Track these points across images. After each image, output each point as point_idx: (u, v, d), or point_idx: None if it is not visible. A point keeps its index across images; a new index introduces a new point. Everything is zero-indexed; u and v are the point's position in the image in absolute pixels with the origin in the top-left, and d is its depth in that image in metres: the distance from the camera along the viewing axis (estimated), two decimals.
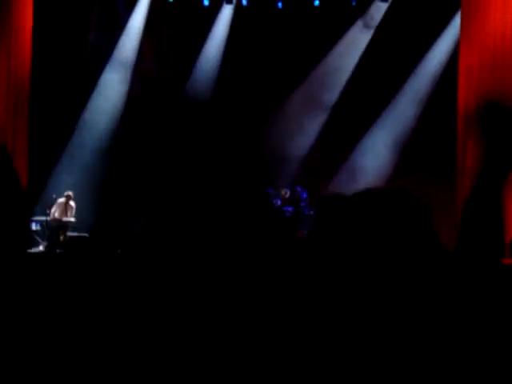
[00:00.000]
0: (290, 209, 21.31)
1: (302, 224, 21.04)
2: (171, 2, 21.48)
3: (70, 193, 18.78)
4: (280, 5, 21.42)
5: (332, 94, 21.73)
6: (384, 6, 21.06)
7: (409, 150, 20.93)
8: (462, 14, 18.29)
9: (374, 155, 20.99)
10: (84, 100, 21.29)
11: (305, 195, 21.50)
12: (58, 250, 17.34)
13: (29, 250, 17.28)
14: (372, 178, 20.50)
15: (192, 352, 3.13)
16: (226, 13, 21.82)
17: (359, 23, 21.37)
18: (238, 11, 21.68)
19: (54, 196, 18.87)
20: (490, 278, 1.77)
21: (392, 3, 20.90)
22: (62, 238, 18.14)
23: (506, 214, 17.19)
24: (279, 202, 21.36)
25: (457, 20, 19.22)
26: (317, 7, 21.20)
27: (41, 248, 17.86)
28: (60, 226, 18.36)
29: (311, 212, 21.23)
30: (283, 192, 21.45)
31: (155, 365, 3.13)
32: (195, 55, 21.89)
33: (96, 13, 21.39)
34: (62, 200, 18.68)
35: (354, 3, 21.13)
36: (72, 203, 18.74)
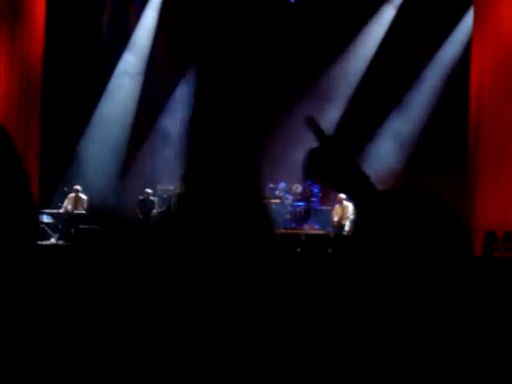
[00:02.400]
0: (301, 204, 21.31)
1: (314, 218, 21.06)
2: None
3: (78, 187, 18.90)
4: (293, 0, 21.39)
5: (344, 92, 21.69)
6: (397, 2, 20.99)
7: (420, 149, 20.88)
8: (474, 11, 18.24)
9: (384, 153, 20.94)
10: (97, 96, 21.34)
11: (316, 190, 21.49)
12: (69, 243, 17.40)
13: (40, 242, 17.37)
14: (382, 174, 20.47)
15: (198, 353, 3.13)
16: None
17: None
18: (250, 4, 21.66)
19: (66, 189, 18.94)
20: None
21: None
22: (73, 230, 18.20)
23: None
24: (290, 197, 21.36)
25: (469, 18, 19.16)
26: (330, 2, 21.14)
27: (52, 240, 17.92)
28: (71, 218, 18.43)
29: (322, 207, 21.25)
30: (294, 187, 21.44)
31: (159, 364, 3.14)
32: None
33: (109, 8, 21.45)
34: (72, 194, 18.79)
35: None
36: (83, 196, 18.82)
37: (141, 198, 19.85)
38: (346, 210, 18.59)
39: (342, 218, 18.63)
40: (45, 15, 19.02)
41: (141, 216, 19.59)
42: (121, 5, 21.59)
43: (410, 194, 1.78)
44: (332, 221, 19.12)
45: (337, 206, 19.01)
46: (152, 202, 19.89)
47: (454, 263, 1.68)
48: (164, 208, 20.37)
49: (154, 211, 19.90)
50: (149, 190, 19.93)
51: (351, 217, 18.42)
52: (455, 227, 1.72)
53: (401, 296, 1.67)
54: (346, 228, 18.40)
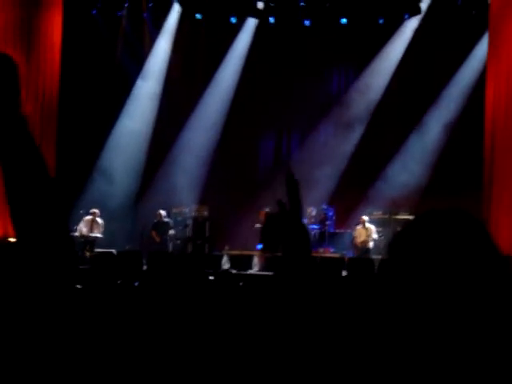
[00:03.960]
0: (316, 227, 21.28)
1: (328, 242, 21.02)
2: (199, 19, 21.63)
3: (96, 210, 18.85)
4: (307, 22, 21.43)
5: (360, 114, 21.69)
6: (412, 25, 21.01)
7: (438, 169, 20.83)
8: (489, 36, 18.26)
9: (400, 175, 20.88)
10: (112, 119, 21.43)
11: (331, 213, 21.47)
12: (83, 266, 17.40)
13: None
14: (398, 195, 20.46)
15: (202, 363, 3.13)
16: (252, 29, 21.91)
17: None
18: (265, 28, 21.75)
19: (81, 212, 18.95)
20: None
21: (422, 22, 20.82)
22: (88, 253, 18.21)
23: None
24: (305, 220, 21.35)
25: (484, 42, 19.18)
26: (344, 25, 21.19)
27: None
28: (87, 241, 18.45)
29: (337, 230, 21.23)
30: (309, 210, 21.44)
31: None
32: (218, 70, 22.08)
33: (124, 29, 21.60)
34: (88, 217, 18.77)
35: (380, 21, 21.03)
36: (99, 220, 18.82)
37: (155, 220, 19.86)
38: (369, 231, 18.68)
39: (366, 240, 18.71)
40: (61, 38, 19.16)
41: (158, 240, 19.58)
42: (134, 27, 21.72)
43: (449, 215, 1.78)
44: (355, 242, 19.13)
45: (359, 228, 19.06)
46: (166, 223, 19.90)
47: (490, 284, 1.68)
48: (180, 229, 20.38)
49: (171, 232, 19.92)
50: (162, 212, 19.94)
51: (375, 237, 18.59)
52: (490, 250, 1.72)
53: (436, 316, 1.67)
54: (371, 247, 18.57)
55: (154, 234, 19.63)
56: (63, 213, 2.00)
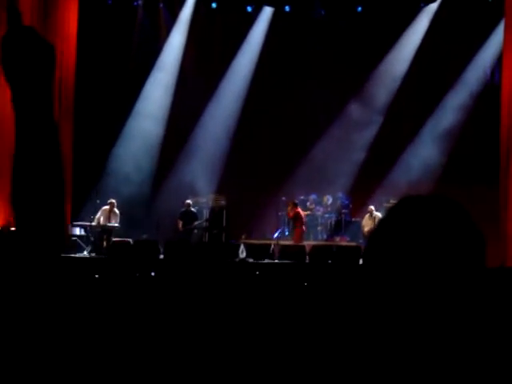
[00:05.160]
0: (332, 215, 21.30)
1: (344, 230, 21.04)
2: (214, 8, 21.61)
3: (113, 200, 18.85)
4: (323, 12, 21.36)
5: (378, 104, 21.64)
6: (428, 13, 20.92)
7: (454, 157, 20.77)
8: (505, 22, 18.14)
9: (420, 162, 20.84)
10: (128, 108, 21.46)
11: (347, 202, 21.48)
12: (101, 255, 17.48)
13: (73, 255, 17.47)
14: (417, 182, 20.45)
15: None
16: (267, 18, 21.88)
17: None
18: (279, 16, 21.72)
19: (98, 201, 18.99)
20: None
21: (438, 10, 20.72)
22: (105, 243, 18.27)
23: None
24: (321, 209, 21.35)
25: (500, 28, 19.07)
26: (359, 13, 21.11)
27: (85, 253, 17.99)
28: (104, 231, 18.49)
29: (353, 219, 21.22)
30: (325, 199, 21.45)
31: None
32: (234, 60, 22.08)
33: (140, 19, 21.61)
34: (106, 207, 18.79)
35: (396, 10, 20.91)
36: (116, 210, 18.84)
37: (183, 209, 19.87)
38: (376, 221, 18.45)
39: (372, 229, 18.49)
40: (76, 28, 19.19)
41: (181, 228, 19.62)
42: (150, 17, 21.73)
43: (428, 201, 1.79)
44: (362, 231, 19.06)
45: (366, 217, 18.97)
46: (194, 213, 19.97)
47: (465, 270, 1.69)
48: (201, 221, 20.43)
49: (197, 222, 19.99)
50: (189, 201, 20.00)
51: None
52: (470, 234, 1.73)
53: (414, 300, 1.69)
54: None
55: (179, 222, 19.68)
56: (61, 200, 2.04)
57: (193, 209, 20.05)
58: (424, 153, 20.86)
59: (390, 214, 1.80)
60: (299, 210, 19.57)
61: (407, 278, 1.68)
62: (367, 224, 18.78)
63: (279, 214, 21.40)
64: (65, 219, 2.10)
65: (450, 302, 1.67)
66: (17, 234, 1.99)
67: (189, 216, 19.81)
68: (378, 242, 1.76)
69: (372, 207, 18.98)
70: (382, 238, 1.76)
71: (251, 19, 21.97)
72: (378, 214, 18.50)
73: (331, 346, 1.84)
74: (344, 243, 19.87)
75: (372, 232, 1.82)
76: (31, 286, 1.99)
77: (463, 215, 1.74)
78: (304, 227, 19.58)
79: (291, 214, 19.50)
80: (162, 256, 16.59)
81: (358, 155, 21.41)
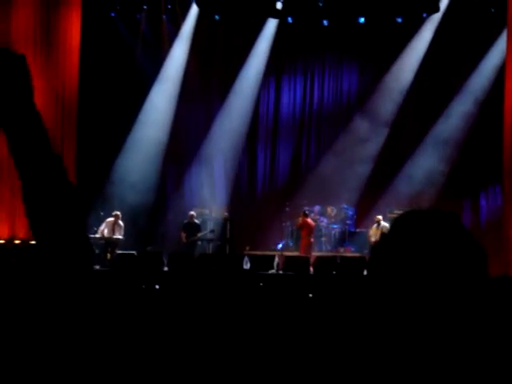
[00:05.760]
0: (336, 226, 21.29)
1: (349, 241, 21.02)
2: (218, 20, 21.63)
3: (118, 212, 18.82)
4: (325, 22, 21.36)
5: (382, 115, 21.61)
6: (431, 23, 20.91)
7: (457, 166, 20.78)
8: (508, 33, 18.15)
9: (420, 176, 20.83)
10: (133, 118, 21.46)
11: (351, 213, 21.47)
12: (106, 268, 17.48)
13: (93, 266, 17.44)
14: (417, 196, 20.45)
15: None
16: (271, 29, 21.89)
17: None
18: (283, 28, 21.74)
19: (102, 214, 18.99)
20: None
21: (441, 20, 20.71)
22: (109, 255, 18.26)
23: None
24: (325, 220, 21.35)
25: (503, 37, 19.08)
26: (362, 25, 21.11)
27: None
28: (108, 243, 18.48)
29: (357, 229, 21.20)
30: (329, 210, 21.44)
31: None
32: (239, 70, 22.06)
33: (142, 31, 21.65)
34: (110, 219, 18.77)
35: (399, 20, 20.88)
36: (120, 222, 18.81)
37: (186, 221, 19.81)
38: (383, 231, 18.36)
39: (379, 239, 18.37)
40: (79, 40, 19.25)
41: (185, 240, 19.52)
42: (153, 29, 21.76)
43: (428, 215, 1.79)
44: (369, 242, 18.94)
45: (374, 227, 18.87)
46: (197, 224, 19.85)
47: (467, 283, 1.70)
48: (206, 232, 20.37)
49: (201, 234, 19.89)
50: (193, 213, 19.91)
51: None
52: (470, 248, 1.73)
53: (417, 311, 1.69)
54: None
55: (182, 234, 19.58)
56: (80, 213, 2.01)
57: (196, 220, 19.98)
58: (427, 162, 20.85)
59: (393, 227, 1.80)
60: (309, 220, 19.58)
61: (410, 289, 1.68)
62: (374, 234, 18.67)
63: (283, 224, 21.40)
64: (85, 233, 2.07)
65: (453, 312, 1.67)
66: (38, 249, 1.97)
67: (192, 227, 19.74)
68: (381, 255, 1.76)
69: (380, 217, 18.87)
70: (385, 251, 1.76)
71: (254, 31, 21.98)
72: (386, 225, 18.41)
73: (334, 354, 1.84)
74: (348, 254, 19.84)
75: (376, 244, 1.82)
76: (55, 297, 1.98)
77: (462, 229, 1.74)
78: (312, 239, 19.56)
79: (299, 222, 19.52)
80: (166, 268, 16.59)
81: (363, 167, 21.38)
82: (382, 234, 1.85)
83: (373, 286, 1.76)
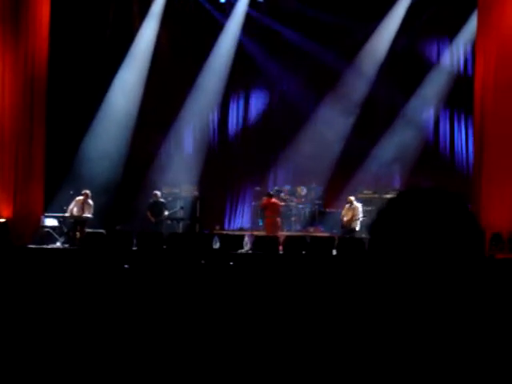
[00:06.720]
0: (305, 206, 21.32)
1: (319, 221, 21.07)
2: None
3: (88, 191, 18.67)
4: (297, 3, 21.29)
5: (355, 95, 21.57)
6: (403, 3, 20.88)
7: (426, 147, 20.91)
8: (478, 14, 18.22)
9: (390, 157, 20.91)
10: (101, 96, 21.27)
11: (321, 193, 21.51)
12: (75, 246, 17.38)
13: (46, 246, 17.38)
14: (388, 176, 20.53)
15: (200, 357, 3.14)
16: (242, 8, 21.75)
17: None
18: (254, 6, 21.64)
19: (72, 192, 18.83)
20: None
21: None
22: (79, 234, 18.14)
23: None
24: (295, 200, 21.37)
25: (473, 21, 19.16)
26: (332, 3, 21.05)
27: (58, 244, 17.88)
28: (77, 222, 18.36)
29: (327, 210, 21.24)
30: (299, 190, 21.46)
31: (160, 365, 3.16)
32: (209, 50, 21.91)
33: (113, 8, 21.44)
34: (80, 198, 18.62)
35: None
36: (90, 201, 18.66)
37: (151, 200, 19.64)
38: (355, 211, 18.41)
39: (351, 219, 18.39)
40: (49, 16, 19.05)
41: (153, 219, 19.37)
42: (124, 4, 21.57)
43: (429, 193, 1.79)
44: (341, 221, 18.88)
45: (346, 207, 18.83)
46: (162, 203, 19.62)
47: (464, 261, 1.70)
48: (176, 210, 20.26)
49: (166, 213, 19.71)
50: (157, 192, 19.70)
51: (360, 217, 18.31)
52: (469, 225, 1.73)
53: (416, 290, 1.69)
54: (357, 228, 18.26)
55: (149, 214, 19.43)
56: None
57: (162, 199, 19.79)
58: (398, 143, 20.90)
59: (390, 206, 1.79)
60: (274, 200, 19.49)
61: (410, 268, 1.68)
62: (347, 214, 18.64)
63: (252, 204, 21.41)
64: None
65: (452, 291, 1.67)
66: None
67: (157, 207, 19.56)
68: (380, 234, 1.76)
69: (352, 198, 18.82)
70: (385, 230, 1.76)
71: (225, 10, 21.85)
72: (358, 205, 18.45)
73: (308, 331, 1.84)
74: (318, 234, 19.88)
75: (372, 224, 1.81)
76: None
77: (462, 207, 1.74)
78: (279, 218, 19.52)
79: (263, 202, 19.47)
80: (135, 247, 16.55)
81: (333, 147, 21.38)
82: (380, 211, 1.83)
83: (373, 264, 1.75)
